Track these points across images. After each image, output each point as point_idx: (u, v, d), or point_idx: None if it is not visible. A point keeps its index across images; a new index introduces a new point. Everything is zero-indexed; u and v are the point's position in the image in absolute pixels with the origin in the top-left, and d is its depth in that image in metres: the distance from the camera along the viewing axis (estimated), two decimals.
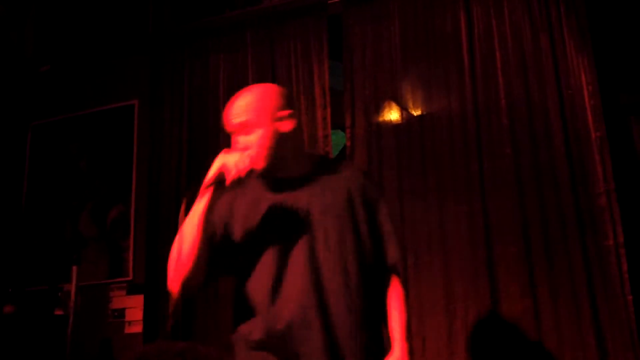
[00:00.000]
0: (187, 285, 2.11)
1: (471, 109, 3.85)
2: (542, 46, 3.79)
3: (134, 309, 4.29)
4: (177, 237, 2.13)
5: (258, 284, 2.18)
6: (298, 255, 2.17)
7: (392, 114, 4.12)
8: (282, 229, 2.21)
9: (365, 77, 4.15)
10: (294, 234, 2.19)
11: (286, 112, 2.24)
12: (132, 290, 4.36)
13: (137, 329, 4.24)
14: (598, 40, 3.68)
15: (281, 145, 2.21)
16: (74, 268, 3.83)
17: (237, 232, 2.23)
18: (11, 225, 4.81)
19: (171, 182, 4.41)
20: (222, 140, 4.33)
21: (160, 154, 4.51)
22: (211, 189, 2.12)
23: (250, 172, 2.12)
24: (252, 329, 2.16)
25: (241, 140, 2.20)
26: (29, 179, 4.93)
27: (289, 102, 2.30)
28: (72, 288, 3.80)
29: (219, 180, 2.10)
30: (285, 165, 2.26)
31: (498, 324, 3.51)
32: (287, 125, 2.23)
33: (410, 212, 3.84)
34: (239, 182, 2.11)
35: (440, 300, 3.64)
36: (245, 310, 2.20)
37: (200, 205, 2.13)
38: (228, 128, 2.25)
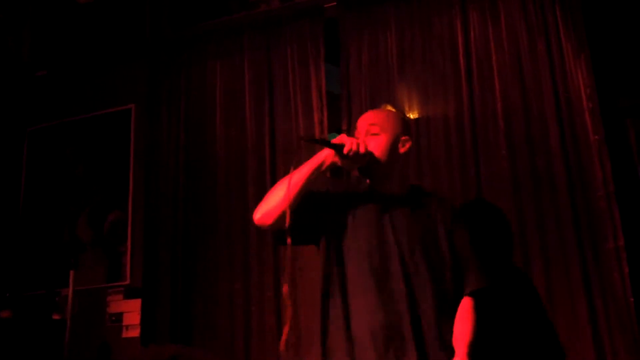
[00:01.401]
0: (271, 213, 2.47)
1: (468, 113, 3.85)
2: (539, 50, 3.79)
3: (131, 313, 4.29)
4: (283, 179, 2.49)
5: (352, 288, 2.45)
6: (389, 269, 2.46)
7: None
8: (372, 237, 2.50)
9: (362, 80, 4.15)
10: (384, 247, 2.49)
11: (406, 137, 2.64)
12: (129, 294, 4.36)
13: (135, 333, 4.23)
14: (595, 43, 3.68)
15: (392, 159, 2.58)
16: (72, 272, 3.83)
17: (333, 218, 2.55)
18: (8, 230, 4.81)
19: (168, 187, 4.41)
20: (218, 145, 4.35)
21: (158, 158, 4.51)
22: (325, 149, 2.48)
23: (359, 159, 2.46)
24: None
25: (366, 136, 2.58)
26: (26, 184, 4.93)
27: (408, 128, 2.72)
28: (70, 292, 3.80)
29: (331, 146, 2.44)
30: (389, 182, 2.60)
31: (495, 327, 3.49)
32: (403, 148, 2.62)
33: None
34: (347, 163, 2.47)
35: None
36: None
37: (307, 166, 2.49)
38: (359, 124, 2.66)
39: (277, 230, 2.47)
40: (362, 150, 2.43)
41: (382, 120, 2.62)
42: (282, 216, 2.39)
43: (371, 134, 2.58)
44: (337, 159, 2.46)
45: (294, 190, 2.41)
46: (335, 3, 4.33)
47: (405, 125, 2.69)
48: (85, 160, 4.80)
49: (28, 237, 4.76)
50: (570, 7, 3.76)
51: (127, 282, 4.38)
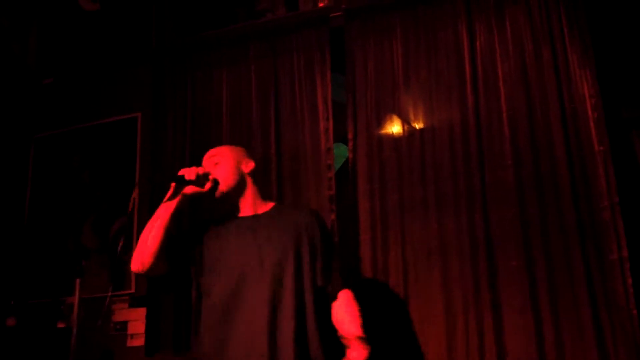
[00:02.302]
0: (147, 266, 2.68)
1: (473, 121, 3.85)
2: (544, 60, 3.80)
3: (136, 322, 4.29)
4: (147, 225, 2.73)
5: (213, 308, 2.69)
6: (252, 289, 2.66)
7: (394, 126, 4.12)
8: (239, 260, 2.73)
9: (368, 89, 4.16)
10: (249, 267, 2.69)
11: (247, 158, 2.99)
12: (134, 303, 4.36)
13: (139, 342, 4.23)
14: (600, 54, 3.69)
15: (239, 180, 2.91)
16: (77, 280, 3.83)
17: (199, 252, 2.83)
18: (14, 238, 4.81)
19: None
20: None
21: (163, 166, 4.51)
22: (176, 199, 2.72)
23: (206, 177, 2.77)
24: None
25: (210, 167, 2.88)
26: (32, 191, 4.94)
27: (247, 154, 3.05)
28: (75, 300, 3.80)
29: (178, 178, 2.68)
30: (247, 203, 2.90)
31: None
32: (247, 166, 2.95)
33: (411, 224, 3.84)
34: (199, 183, 2.74)
35: (440, 313, 3.64)
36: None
37: (167, 207, 2.72)
38: (204, 162, 2.94)
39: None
40: (193, 176, 2.69)
41: (219, 152, 2.96)
42: (155, 262, 2.67)
43: (213, 164, 2.89)
44: (187, 189, 2.75)
45: (159, 232, 2.67)
46: (341, 12, 4.34)
47: (244, 152, 3.04)
48: (91, 167, 4.81)
49: (33, 244, 4.76)
50: (575, 17, 3.77)
51: (132, 290, 4.39)
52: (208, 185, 2.77)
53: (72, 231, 4.68)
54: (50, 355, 4.15)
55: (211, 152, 2.97)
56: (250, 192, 2.92)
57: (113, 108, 4.87)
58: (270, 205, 2.96)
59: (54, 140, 4.99)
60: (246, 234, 2.76)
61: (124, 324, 4.33)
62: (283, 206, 3.11)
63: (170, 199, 2.71)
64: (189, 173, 2.69)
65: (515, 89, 3.83)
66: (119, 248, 4.09)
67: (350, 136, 4.12)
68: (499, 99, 3.84)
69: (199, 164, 4.36)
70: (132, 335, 4.29)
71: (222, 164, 2.88)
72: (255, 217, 2.86)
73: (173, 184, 2.71)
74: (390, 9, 4.24)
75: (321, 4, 4.49)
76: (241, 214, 2.88)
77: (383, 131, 4.12)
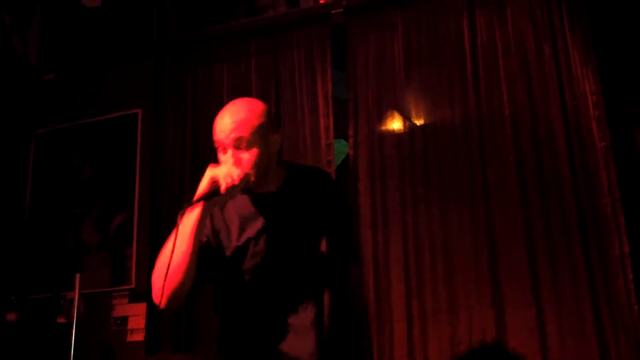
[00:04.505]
0: (175, 296, 2.15)
1: (475, 118, 3.86)
2: (546, 56, 3.80)
3: (136, 317, 4.29)
4: (164, 250, 2.11)
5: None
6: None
7: (395, 123, 4.13)
8: (268, 244, 2.29)
9: (368, 86, 4.16)
10: (275, 248, 2.29)
11: (277, 135, 2.30)
12: (134, 298, 4.36)
13: (140, 337, 4.23)
14: (602, 51, 3.69)
15: (269, 164, 2.27)
16: (77, 276, 3.83)
17: (228, 244, 2.30)
18: (14, 233, 4.81)
19: (174, 191, 4.42)
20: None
21: (164, 162, 4.52)
22: (202, 203, 2.10)
23: (241, 185, 2.13)
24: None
25: (234, 154, 2.20)
26: (32, 187, 4.94)
27: (275, 122, 2.42)
28: (75, 296, 3.80)
29: (211, 193, 2.09)
30: (267, 183, 2.31)
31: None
32: (276, 146, 2.31)
33: (413, 221, 3.84)
34: (230, 194, 2.12)
35: (443, 308, 3.64)
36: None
37: (191, 218, 2.12)
38: (220, 139, 2.23)
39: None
40: (237, 181, 2.09)
41: (245, 131, 2.19)
42: (184, 294, 2.17)
43: (238, 148, 2.19)
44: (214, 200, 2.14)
45: (185, 259, 2.11)
46: (342, 9, 4.34)
47: (270, 121, 2.28)
48: (92, 163, 4.81)
49: (34, 240, 4.76)
50: (577, 14, 3.78)
51: (133, 286, 4.38)
52: (242, 187, 2.17)
53: (72, 227, 4.68)
54: (51, 350, 4.15)
55: (234, 130, 2.20)
56: (272, 172, 2.32)
57: (114, 104, 4.87)
58: (282, 173, 2.41)
59: (55, 136, 4.99)
60: (265, 212, 2.31)
61: (124, 319, 4.33)
62: (296, 174, 2.48)
63: (194, 223, 2.13)
64: (225, 184, 2.08)
65: (517, 85, 3.83)
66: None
67: (350, 133, 4.12)
68: (501, 96, 3.84)
69: (199, 160, 4.41)
70: (132, 331, 4.29)
71: (252, 152, 2.19)
72: (273, 193, 2.34)
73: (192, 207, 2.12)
74: (391, 6, 4.24)
75: (322, 1, 4.49)
76: (257, 191, 2.32)
77: (384, 127, 4.12)
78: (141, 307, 4.29)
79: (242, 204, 2.32)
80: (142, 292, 4.30)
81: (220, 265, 2.30)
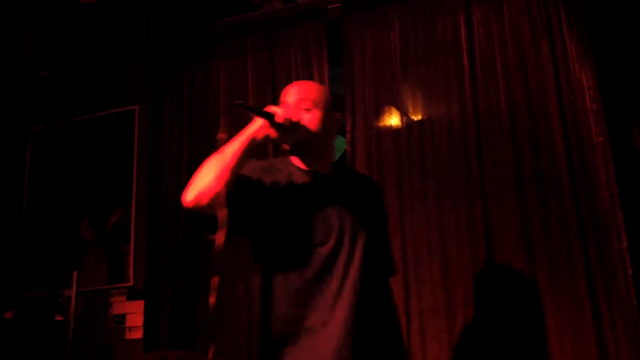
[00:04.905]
0: (205, 191, 2.13)
1: (472, 114, 3.85)
2: (543, 51, 3.79)
3: (134, 314, 4.29)
4: (214, 155, 2.18)
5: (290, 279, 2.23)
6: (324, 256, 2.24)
7: (392, 119, 4.12)
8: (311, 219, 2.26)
9: (365, 81, 4.16)
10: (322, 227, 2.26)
11: (338, 114, 2.48)
12: (132, 295, 4.36)
13: (138, 334, 4.23)
14: (599, 45, 3.68)
15: (326, 135, 2.38)
16: (75, 273, 3.83)
17: (268, 199, 2.27)
18: (12, 231, 4.81)
19: (171, 188, 4.41)
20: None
21: (161, 159, 4.51)
22: (260, 123, 2.18)
23: (296, 128, 2.22)
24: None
25: (297, 106, 2.31)
26: (30, 184, 4.93)
27: (336, 105, 2.52)
28: (73, 293, 3.80)
29: (267, 114, 2.16)
30: (320, 161, 2.39)
31: (499, 329, 3.49)
32: (335, 125, 2.45)
33: (410, 217, 3.83)
34: (282, 135, 2.19)
35: (440, 305, 3.64)
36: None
37: (245, 133, 2.19)
38: (286, 101, 2.34)
39: (210, 215, 2.14)
40: (296, 118, 2.20)
41: (313, 95, 2.34)
42: (217, 197, 2.10)
43: (303, 108, 2.30)
44: (271, 131, 2.18)
45: (229, 166, 2.13)
46: (338, 4, 4.33)
47: (334, 102, 2.45)
48: (89, 160, 4.81)
49: (31, 237, 4.76)
50: (574, 9, 3.76)
51: (131, 283, 4.38)
52: (295, 136, 2.26)
53: (69, 224, 4.68)
54: (49, 348, 4.14)
55: (303, 91, 2.37)
56: (327, 151, 2.46)
57: (110, 101, 4.87)
58: (329, 161, 2.51)
59: (52, 133, 4.98)
60: (325, 194, 2.32)
61: (122, 317, 4.33)
62: (341, 168, 2.58)
63: (249, 136, 2.19)
64: (280, 116, 2.15)
65: (514, 81, 3.82)
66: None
67: (348, 129, 4.11)
68: (498, 92, 3.83)
69: (196, 157, 4.41)
70: (130, 328, 4.29)
71: (315, 112, 2.31)
72: (329, 177, 2.39)
73: (256, 118, 2.19)
74: (388, 1, 4.23)
75: None
76: (309, 169, 2.37)
77: (381, 124, 4.11)
78: (139, 305, 4.29)
79: (299, 177, 2.35)
80: (140, 290, 4.31)
81: (268, 226, 2.27)
